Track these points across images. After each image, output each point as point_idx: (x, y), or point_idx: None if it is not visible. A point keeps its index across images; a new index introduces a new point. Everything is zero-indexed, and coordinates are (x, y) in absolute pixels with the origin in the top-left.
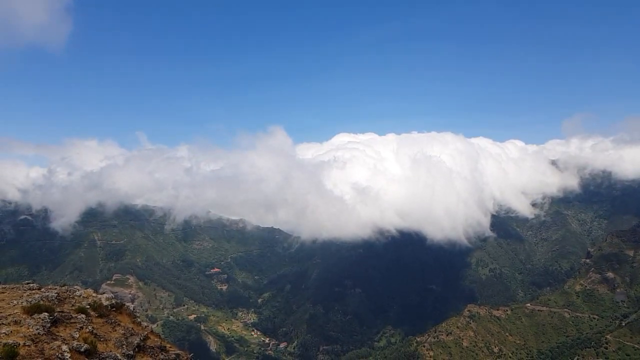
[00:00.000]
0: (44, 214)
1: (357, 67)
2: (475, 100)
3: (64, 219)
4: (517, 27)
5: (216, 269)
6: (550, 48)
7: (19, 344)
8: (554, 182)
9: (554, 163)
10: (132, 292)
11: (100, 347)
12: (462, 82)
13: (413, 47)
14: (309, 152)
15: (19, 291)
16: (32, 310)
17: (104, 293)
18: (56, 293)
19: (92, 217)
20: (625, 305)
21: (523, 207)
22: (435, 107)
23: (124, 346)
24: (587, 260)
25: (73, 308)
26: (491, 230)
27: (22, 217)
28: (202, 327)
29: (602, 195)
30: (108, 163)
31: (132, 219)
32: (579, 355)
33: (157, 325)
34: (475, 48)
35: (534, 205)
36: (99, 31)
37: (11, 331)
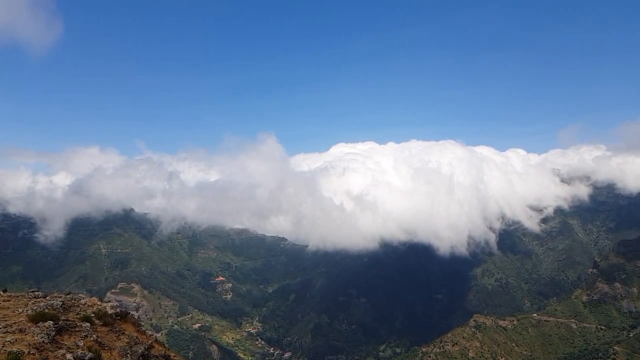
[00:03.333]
0: (49, 223)
1: (356, 75)
2: (475, 108)
3: (69, 228)
4: (515, 36)
5: (221, 278)
6: (548, 56)
7: (24, 353)
8: (559, 194)
9: (558, 174)
10: (137, 300)
11: (105, 355)
12: (461, 90)
13: (412, 55)
14: (305, 163)
15: (24, 299)
16: (37, 318)
17: (108, 301)
18: (61, 301)
19: (97, 226)
20: (632, 315)
21: (531, 222)
22: (434, 116)
23: (128, 355)
24: (594, 270)
25: (78, 316)
26: (498, 247)
27: (26, 226)
28: (206, 337)
29: (608, 205)
30: (111, 171)
31: (138, 228)
32: None
33: (162, 334)
34: (473, 56)
35: (542, 219)
36: (101, 38)
37: (16, 339)
